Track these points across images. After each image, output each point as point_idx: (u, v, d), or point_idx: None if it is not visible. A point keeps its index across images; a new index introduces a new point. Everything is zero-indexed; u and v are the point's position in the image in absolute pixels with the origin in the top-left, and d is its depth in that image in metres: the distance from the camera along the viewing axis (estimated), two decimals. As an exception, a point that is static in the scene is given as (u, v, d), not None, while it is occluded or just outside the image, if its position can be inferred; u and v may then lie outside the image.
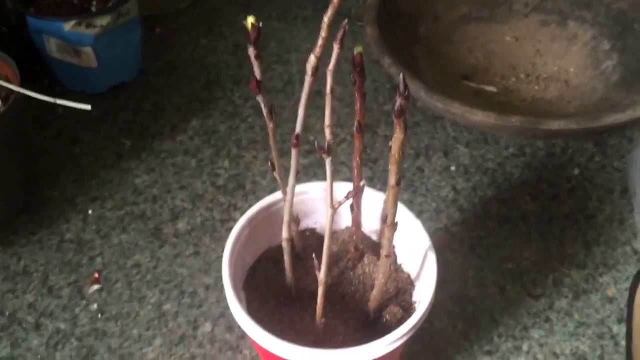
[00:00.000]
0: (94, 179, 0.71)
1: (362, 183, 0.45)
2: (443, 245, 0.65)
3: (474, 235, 0.66)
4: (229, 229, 0.65)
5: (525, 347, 0.58)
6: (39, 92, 0.56)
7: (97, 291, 0.62)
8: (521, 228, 0.67)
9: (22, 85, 0.61)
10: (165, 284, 0.63)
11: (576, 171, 0.72)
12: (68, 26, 0.70)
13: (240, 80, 0.81)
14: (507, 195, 0.69)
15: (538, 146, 0.74)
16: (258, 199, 0.68)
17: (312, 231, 0.54)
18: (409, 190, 0.70)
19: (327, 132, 0.43)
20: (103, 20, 0.71)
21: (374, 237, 0.54)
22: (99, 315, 0.61)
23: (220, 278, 0.62)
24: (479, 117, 0.64)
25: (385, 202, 0.43)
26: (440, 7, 0.82)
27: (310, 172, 0.71)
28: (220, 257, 0.64)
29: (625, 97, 0.71)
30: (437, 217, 0.68)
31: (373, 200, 0.52)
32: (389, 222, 0.44)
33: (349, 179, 0.68)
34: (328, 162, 0.43)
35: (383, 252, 0.45)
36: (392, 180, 0.41)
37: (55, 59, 0.75)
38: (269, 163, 0.47)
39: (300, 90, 0.42)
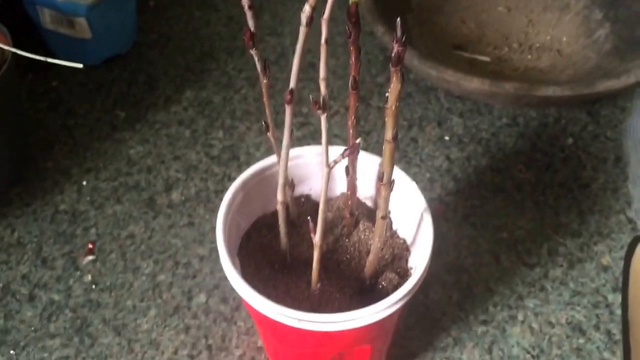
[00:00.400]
0: (89, 151, 0.70)
1: (357, 141, 0.43)
2: (437, 214, 0.64)
3: (468, 204, 0.65)
4: (224, 199, 0.65)
5: (520, 317, 0.58)
6: (32, 63, 0.55)
7: (91, 262, 0.61)
8: (515, 197, 0.66)
9: (15, 55, 0.59)
10: (160, 254, 0.62)
11: (570, 141, 0.71)
12: (61, -4, 0.69)
13: (233, 52, 0.80)
14: (501, 164, 0.68)
15: (531, 116, 0.73)
16: (252, 170, 0.68)
17: (307, 197, 0.53)
18: (403, 161, 0.68)
19: (322, 85, 0.41)
20: (96, -9, 0.70)
21: (369, 204, 0.53)
22: (93, 287, 0.60)
23: (214, 249, 0.61)
24: (474, 84, 0.63)
25: (381, 160, 0.42)
26: (433, -24, 0.80)
27: (304, 144, 0.69)
28: (214, 228, 0.62)
29: (618, 66, 0.70)
30: (431, 187, 0.67)
31: (368, 165, 0.51)
32: (385, 181, 0.42)
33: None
34: (323, 118, 0.42)
35: (379, 214, 0.44)
36: (388, 134, 0.40)
37: (49, 30, 0.73)
38: (263, 123, 0.45)
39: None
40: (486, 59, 0.76)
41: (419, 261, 0.46)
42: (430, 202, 0.64)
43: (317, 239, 0.44)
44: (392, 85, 0.37)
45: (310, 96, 0.40)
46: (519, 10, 0.81)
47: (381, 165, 0.41)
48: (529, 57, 0.76)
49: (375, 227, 0.45)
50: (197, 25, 0.83)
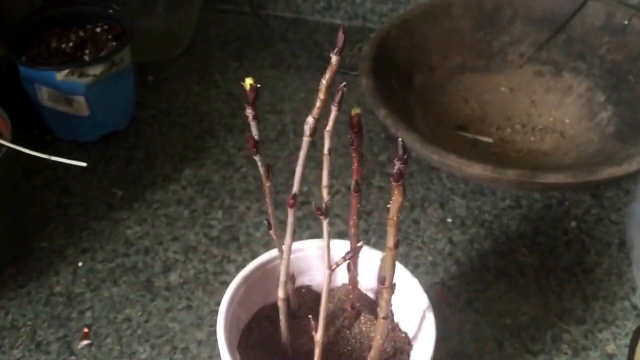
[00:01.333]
0: (85, 230, 0.70)
1: (359, 244, 0.44)
2: (440, 299, 0.65)
3: (471, 289, 0.66)
4: (223, 282, 0.66)
5: None
6: (29, 140, 0.56)
7: (86, 347, 0.61)
8: (519, 281, 0.66)
9: (13, 136, 0.60)
10: (157, 339, 0.62)
11: (573, 224, 0.72)
12: (60, 76, 0.70)
13: (233, 129, 0.81)
14: (504, 248, 0.69)
15: (535, 198, 0.74)
16: (252, 251, 0.68)
17: (308, 288, 0.54)
18: (405, 244, 0.69)
19: (325, 192, 0.43)
20: (96, 70, 0.72)
21: (371, 295, 0.54)
22: None
23: (213, 333, 0.61)
24: (476, 170, 0.64)
25: (382, 263, 0.43)
26: (435, 57, 0.82)
27: (303, 224, 0.70)
28: (213, 312, 0.63)
29: (620, 150, 0.71)
30: (434, 270, 0.67)
31: (370, 259, 0.52)
32: (387, 285, 0.43)
33: (342, 232, 0.69)
34: (325, 223, 0.43)
35: (381, 314, 0.45)
36: (390, 242, 0.41)
37: (46, 107, 0.75)
38: (265, 221, 0.47)
39: (294, 141, 0.42)
40: (489, 140, 0.78)
41: (421, 358, 0.47)
42: (432, 286, 0.66)
43: (318, 336, 0.45)
44: (393, 198, 0.38)
45: (313, 204, 0.41)
46: (521, 91, 0.83)
47: (382, 269, 0.42)
48: (532, 138, 0.78)
49: (377, 326, 0.46)
50: (196, 101, 0.85)
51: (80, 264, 0.68)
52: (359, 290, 0.53)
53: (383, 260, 0.43)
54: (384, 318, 0.45)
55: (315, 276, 0.54)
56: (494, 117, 0.80)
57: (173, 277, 0.66)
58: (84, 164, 0.51)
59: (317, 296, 0.53)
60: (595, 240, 0.70)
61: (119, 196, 0.74)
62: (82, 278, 0.66)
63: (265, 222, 0.47)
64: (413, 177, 0.76)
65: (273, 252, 0.51)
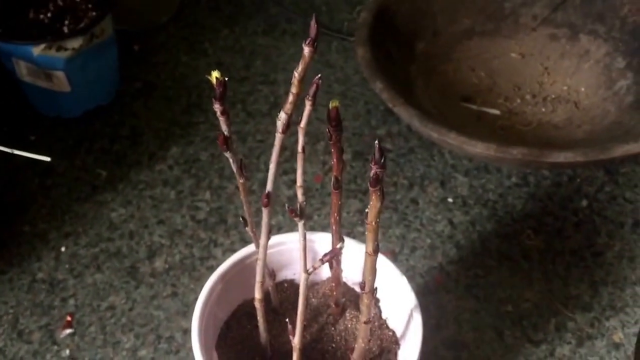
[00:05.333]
0: (68, 213, 0.72)
1: (339, 246, 0.46)
2: (437, 285, 0.66)
3: (470, 274, 0.67)
4: (209, 268, 0.67)
5: None
6: (10, 117, 0.55)
7: (69, 336, 0.63)
8: (523, 266, 0.67)
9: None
10: (141, 327, 0.64)
11: (584, 203, 0.72)
12: (37, 50, 0.71)
13: (224, 102, 0.82)
14: (508, 229, 0.70)
15: (543, 175, 0.74)
16: (240, 234, 0.70)
17: (291, 283, 0.55)
18: (402, 225, 0.70)
19: (299, 193, 0.44)
20: (75, 43, 0.72)
21: (357, 289, 0.55)
22: None
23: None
24: (478, 148, 0.65)
25: (363, 268, 0.44)
26: (441, 20, 0.82)
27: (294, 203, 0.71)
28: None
29: (638, 123, 0.71)
30: (432, 254, 0.68)
31: (356, 252, 0.52)
32: (367, 290, 0.45)
33: (325, 224, 0.69)
34: (300, 225, 0.44)
35: (362, 318, 0.46)
36: (369, 247, 0.42)
37: (26, 82, 0.76)
38: (241, 218, 0.48)
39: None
40: (496, 112, 0.78)
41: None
42: (429, 271, 0.67)
43: (296, 341, 0.46)
44: (371, 204, 0.39)
45: (287, 205, 0.42)
46: (533, 56, 0.83)
47: (363, 274, 0.43)
48: (543, 109, 0.78)
49: (358, 330, 0.47)
50: (184, 72, 0.86)
51: (63, 248, 0.69)
52: (345, 284, 0.55)
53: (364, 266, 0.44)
54: (365, 322, 0.47)
55: (298, 270, 0.55)
56: (503, 87, 0.80)
57: (158, 263, 0.68)
58: (47, 159, 0.52)
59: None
60: (607, 221, 0.70)
61: (103, 177, 0.75)
62: (65, 264, 0.68)
63: (241, 219, 0.48)
64: (413, 152, 0.76)
65: (252, 247, 0.52)
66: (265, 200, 0.45)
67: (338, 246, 0.45)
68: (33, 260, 0.69)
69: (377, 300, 0.54)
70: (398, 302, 0.52)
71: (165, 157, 0.77)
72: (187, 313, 0.65)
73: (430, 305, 0.64)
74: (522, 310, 0.64)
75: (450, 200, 0.73)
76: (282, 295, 0.55)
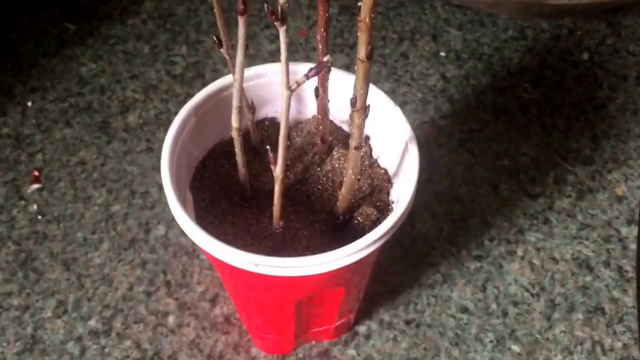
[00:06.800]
0: (34, 68, 0.67)
1: (326, 59, 0.40)
2: (429, 139, 0.62)
3: (464, 128, 0.63)
4: (186, 123, 0.63)
5: (520, 252, 0.56)
6: None
7: (37, 191, 0.60)
8: (520, 120, 0.63)
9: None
10: (114, 183, 0.60)
11: (585, 55, 0.68)
12: None
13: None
14: (504, 83, 0.66)
15: (542, 28, 0.69)
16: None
17: (272, 121, 0.50)
18: (391, 79, 0.66)
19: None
20: None
21: (346, 128, 0.50)
22: (39, 217, 0.58)
23: (176, 177, 0.58)
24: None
25: (354, 81, 0.38)
26: None
27: (277, 59, 0.66)
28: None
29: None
30: (423, 108, 0.64)
31: (343, 84, 0.47)
32: (358, 106, 0.39)
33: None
34: (282, 31, 0.38)
35: (352, 143, 0.41)
36: (361, 52, 0.36)
37: None
38: (214, 38, 0.42)
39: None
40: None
41: (402, 194, 0.43)
42: (421, 125, 0.62)
43: (278, 170, 0.41)
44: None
45: (265, 5, 0.36)
46: None
47: (354, 88, 0.38)
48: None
49: (349, 158, 0.42)
50: None
51: (29, 103, 0.65)
52: (332, 121, 0.49)
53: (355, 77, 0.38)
54: (355, 148, 0.41)
55: (280, 106, 0.50)
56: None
57: (132, 118, 0.63)
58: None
59: (283, 129, 0.49)
60: (609, 74, 0.66)
61: (71, 31, 0.70)
62: (31, 119, 0.64)
63: (215, 39, 0.42)
64: (403, 5, 0.71)
65: (229, 78, 0.47)
66: (242, 6, 0.38)
67: (325, 59, 0.39)
68: (-3, 116, 0.64)
69: (368, 138, 0.49)
70: (391, 137, 0.47)
71: (139, 11, 0.71)
72: (162, 168, 0.60)
73: (422, 160, 0.60)
74: (519, 164, 0.61)
75: (442, 54, 0.67)
76: (263, 134, 0.49)
